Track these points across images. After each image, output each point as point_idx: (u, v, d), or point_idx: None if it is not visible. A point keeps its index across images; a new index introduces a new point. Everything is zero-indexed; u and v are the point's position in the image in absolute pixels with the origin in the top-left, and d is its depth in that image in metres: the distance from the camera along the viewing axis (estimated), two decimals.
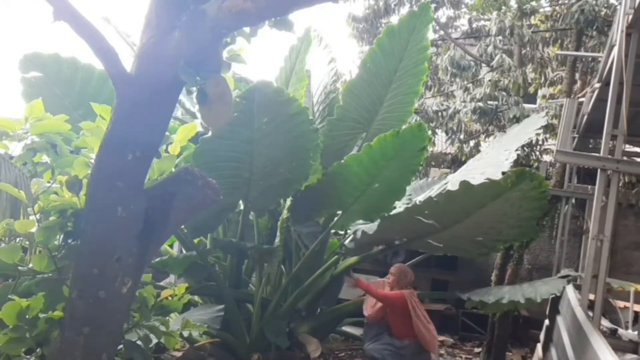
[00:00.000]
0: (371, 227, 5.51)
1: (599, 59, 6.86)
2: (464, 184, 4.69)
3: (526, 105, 8.98)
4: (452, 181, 6.09)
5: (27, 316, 2.56)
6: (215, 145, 4.92)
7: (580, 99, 7.52)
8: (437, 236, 5.54)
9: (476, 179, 5.27)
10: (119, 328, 2.55)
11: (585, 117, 6.74)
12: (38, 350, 2.60)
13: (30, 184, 2.79)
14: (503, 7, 9.64)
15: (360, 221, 5.91)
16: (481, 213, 5.01)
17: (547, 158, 9.35)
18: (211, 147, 4.89)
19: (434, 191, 6.29)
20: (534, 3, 9.74)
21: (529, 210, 5.17)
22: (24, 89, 5.40)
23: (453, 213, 5.11)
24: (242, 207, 5.77)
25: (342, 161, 5.06)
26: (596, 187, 4.33)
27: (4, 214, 4.06)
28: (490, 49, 8.78)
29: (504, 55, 8.62)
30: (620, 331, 4.98)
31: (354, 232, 5.92)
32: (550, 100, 9.57)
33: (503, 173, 5.36)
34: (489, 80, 8.56)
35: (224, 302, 5.51)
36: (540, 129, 6.66)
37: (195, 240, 5.96)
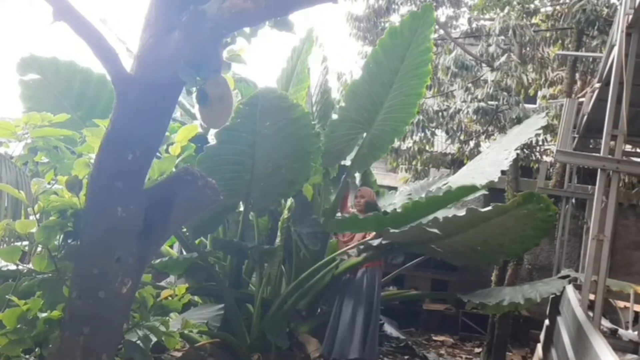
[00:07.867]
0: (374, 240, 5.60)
1: (599, 59, 6.85)
2: (470, 212, 4.83)
3: (526, 106, 8.95)
4: (453, 181, 6.09)
5: (27, 317, 2.56)
6: (217, 150, 4.96)
7: (581, 99, 7.51)
8: (438, 243, 5.56)
9: (476, 179, 5.27)
10: (119, 328, 2.55)
11: (586, 117, 6.73)
12: (37, 349, 2.60)
13: (31, 183, 2.79)
14: (507, 7, 9.57)
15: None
16: (485, 225, 5.09)
17: (547, 159, 9.33)
18: (213, 153, 4.94)
19: (434, 191, 6.30)
20: (537, 2, 9.70)
21: (534, 229, 5.25)
22: (22, 91, 5.40)
23: (457, 227, 5.16)
24: (242, 207, 5.78)
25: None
26: (596, 187, 4.32)
27: (5, 214, 4.06)
28: (492, 48, 8.74)
29: (512, 55, 8.57)
30: (621, 331, 4.98)
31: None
32: (550, 101, 9.55)
33: (503, 172, 5.37)
34: (492, 80, 8.51)
35: (224, 302, 5.51)
36: (540, 129, 6.64)
37: (196, 241, 5.96)
